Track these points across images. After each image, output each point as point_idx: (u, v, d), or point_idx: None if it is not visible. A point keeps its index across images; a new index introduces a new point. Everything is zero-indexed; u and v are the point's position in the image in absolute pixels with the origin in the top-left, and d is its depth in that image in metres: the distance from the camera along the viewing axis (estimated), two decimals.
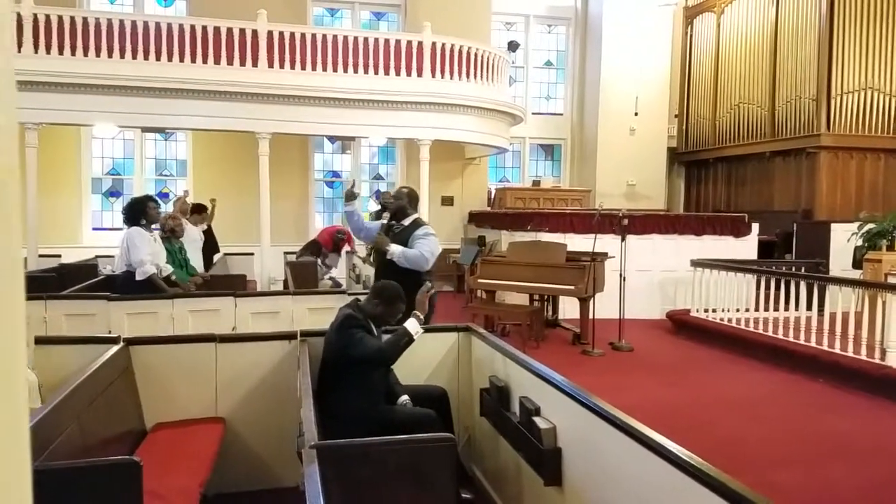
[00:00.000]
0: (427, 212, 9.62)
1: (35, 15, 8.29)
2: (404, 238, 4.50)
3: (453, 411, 3.67)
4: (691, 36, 14.48)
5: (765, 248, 10.50)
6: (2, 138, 0.49)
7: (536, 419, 2.81)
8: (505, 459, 3.23)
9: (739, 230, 9.93)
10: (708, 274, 8.49)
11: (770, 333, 7.40)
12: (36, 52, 8.31)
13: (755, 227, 10.04)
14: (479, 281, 8.15)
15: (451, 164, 12.59)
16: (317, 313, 5.07)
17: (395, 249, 4.41)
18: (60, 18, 8.41)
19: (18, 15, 8.22)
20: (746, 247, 9.84)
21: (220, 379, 3.69)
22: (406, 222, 4.61)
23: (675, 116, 14.49)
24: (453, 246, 12.33)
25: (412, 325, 3.35)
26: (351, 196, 4.69)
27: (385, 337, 3.44)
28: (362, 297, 3.70)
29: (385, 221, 4.62)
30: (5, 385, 0.49)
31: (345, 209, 4.79)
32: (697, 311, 8.59)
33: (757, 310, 7.81)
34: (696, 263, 8.61)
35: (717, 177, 14.09)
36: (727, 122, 13.43)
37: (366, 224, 4.78)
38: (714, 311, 8.33)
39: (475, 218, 12.58)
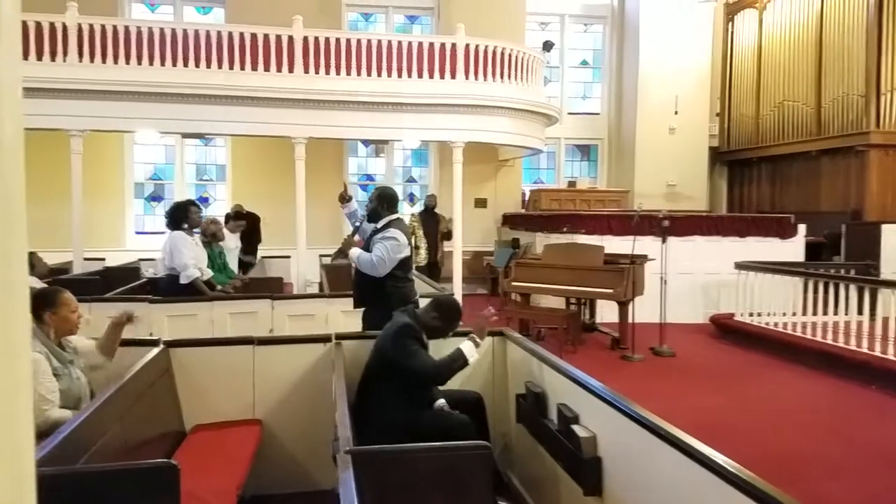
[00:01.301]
0: (459, 214, 9.57)
1: (79, 24, 8.50)
2: (373, 241, 4.37)
3: (489, 416, 3.62)
4: (732, 32, 14.14)
5: (812, 250, 10.18)
6: (9, 146, 0.47)
7: (575, 427, 2.75)
8: (542, 467, 3.17)
9: (785, 231, 9.64)
10: (753, 277, 8.26)
11: (819, 338, 7.15)
12: (80, 60, 8.52)
13: (801, 228, 9.73)
14: (514, 284, 8.06)
15: (484, 166, 12.52)
16: (351, 316, 5.05)
17: (352, 254, 4.30)
18: (103, 27, 8.60)
19: (63, 25, 8.46)
20: (793, 249, 9.55)
21: (257, 381, 3.72)
22: (380, 225, 4.41)
23: (717, 115, 14.15)
24: (487, 248, 12.28)
25: (468, 349, 3.27)
26: (343, 198, 4.67)
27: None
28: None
29: (357, 225, 4.56)
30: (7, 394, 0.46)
31: (343, 212, 4.78)
32: (742, 315, 8.37)
33: (805, 314, 7.59)
34: (741, 266, 8.38)
35: (760, 177, 13.72)
36: (771, 121, 13.07)
37: (364, 229, 4.62)
38: (759, 314, 8.11)
39: (509, 220, 12.48)
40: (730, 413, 5.42)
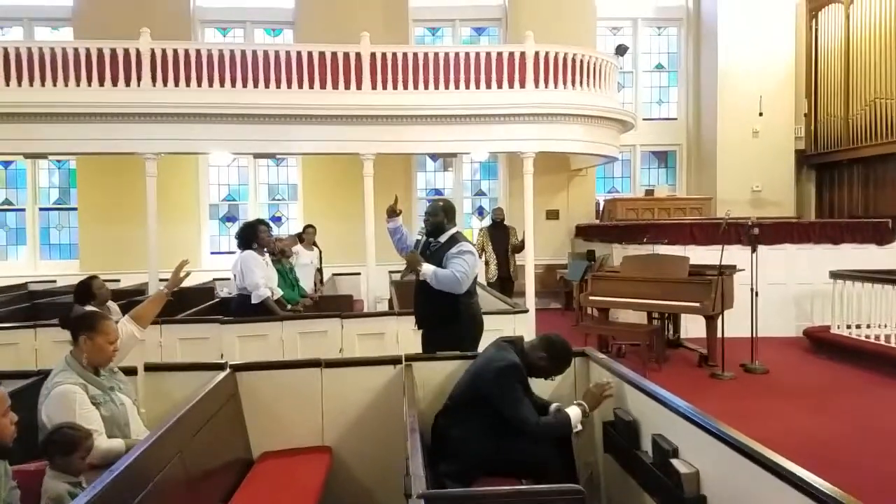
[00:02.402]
0: (531, 226, 9.30)
1: (152, 50, 8.77)
2: (439, 257, 4.09)
3: (573, 444, 3.33)
4: (816, 30, 13.32)
5: None
6: None
7: (675, 461, 2.46)
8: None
9: (883, 237, 9.02)
10: (850, 286, 7.72)
11: None
12: (154, 84, 8.77)
13: None
14: (591, 298, 7.71)
15: (555, 177, 12.21)
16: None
17: (427, 269, 4.01)
18: (175, 52, 8.83)
19: (137, 51, 8.73)
20: (892, 255, 8.88)
21: (326, 406, 3.57)
22: (443, 239, 4.17)
23: (805, 115, 13.33)
24: (560, 261, 11.93)
25: (576, 416, 3.00)
26: (393, 212, 4.35)
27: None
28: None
29: (421, 238, 4.23)
30: None
31: (388, 226, 4.38)
32: (839, 327, 7.84)
33: None
34: (837, 275, 7.80)
35: (852, 179, 12.81)
36: (862, 120, 12.19)
37: (410, 242, 4.36)
38: (858, 327, 7.57)
39: (583, 231, 12.10)
40: (835, 436, 4.99)
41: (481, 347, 3.97)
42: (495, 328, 5.25)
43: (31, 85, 8.69)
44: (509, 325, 5.43)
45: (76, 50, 8.75)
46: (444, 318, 4.11)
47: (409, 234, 4.37)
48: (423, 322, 4.19)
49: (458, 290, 4.07)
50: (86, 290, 4.89)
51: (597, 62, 9.76)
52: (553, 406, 3.22)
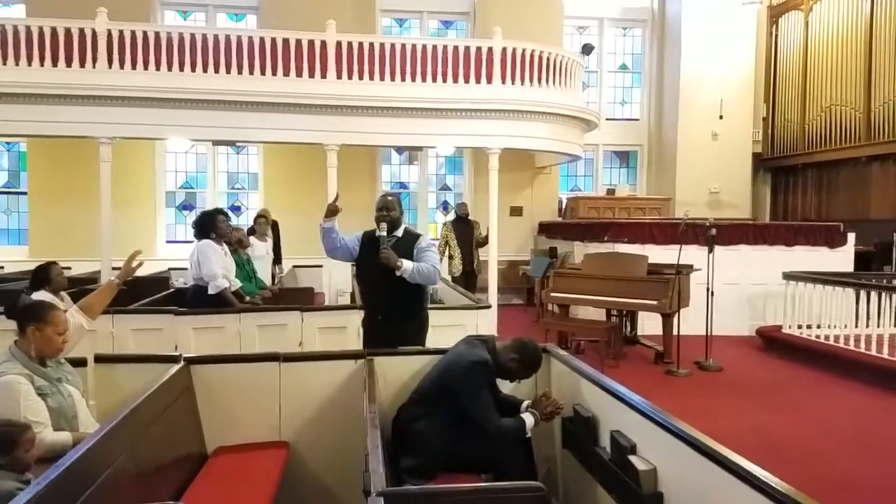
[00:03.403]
0: (495, 222, 9.33)
1: (109, 30, 8.45)
2: (405, 251, 4.02)
3: (532, 439, 3.33)
4: (776, 35, 13.67)
5: (862, 260, 9.78)
6: None
7: (633, 458, 2.47)
8: (595, 501, 2.87)
9: (834, 240, 9.27)
10: (802, 287, 7.94)
11: (873, 352, 6.84)
12: (110, 66, 8.46)
13: (851, 236, 9.35)
14: (553, 294, 7.76)
15: (520, 174, 12.25)
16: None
17: (407, 266, 3.92)
18: (133, 33, 8.53)
19: (93, 31, 8.42)
20: (842, 258, 9.18)
21: (284, 400, 3.50)
22: (399, 233, 4.12)
23: (763, 119, 13.66)
24: (523, 258, 11.99)
25: (530, 423, 3.03)
26: (333, 212, 4.10)
27: None
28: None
29: (384, 234, 3.99)
30: None
31: (323, 225, 4.10)
32: (790, 327, 8.05)
33: (857, 326, 7.27)
34: (790, 276, 8.02)
35: (806, 184, 13.21)
36: (817, 126, 12.58)
37: (343, 241, 4.17)
38: (809, 327, 7.77)
39: (546, 229, 12.19)
40: (786, 433, 5.12)
41: (438, 343, 3.96)
42: (458, 323, 5.26)
43: None
44: (471, 321, 5.41)
45: (28, 28, 8.39)
46: (410, 310, 4.12)
47: (340, 234, 4.17)
48: (391, 315, 4.08)
49: (436, 282, 4.15)
50: (43, 275, 4.81)
51: (563, 60, 9.81)
52: (524, 403, 3.21)
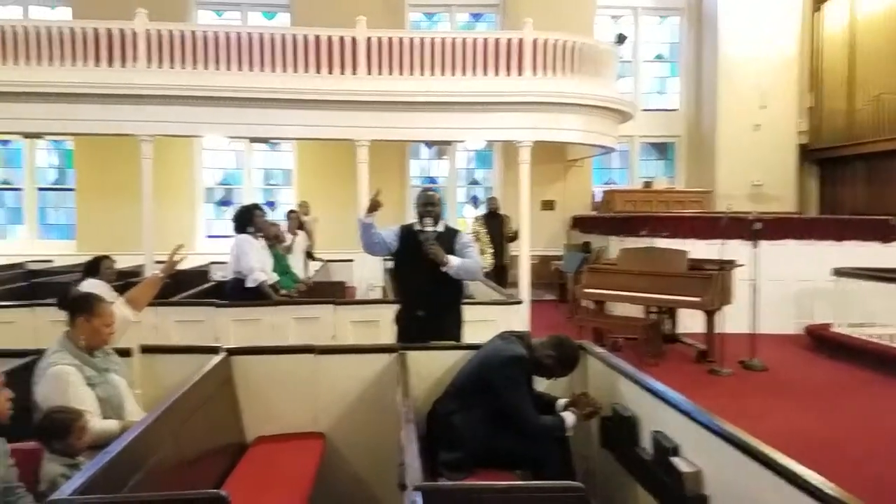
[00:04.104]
0: (527, 217, 9.26)
1: (148, 31, 8.67)
2: (446, 246, 3.97)
3: (570, 438, 3.28)
4: (821, 20, 13.18)
5: None
6: None
7: (675, 460, 2.40)
8: (634, 501, 2.81)
9: (886, 235, 8.92)
10: (853, 284, 7.60)
11: None
12: (149, 66, 8.69)
13: None
14: (588, 290, 7.64)
15: (552, 167, 12.11)
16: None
17: (453, 262, 3.91)
18: (171, 33, 8.75)
19: (133, 31, 8.61)
20: (895, 253, 8.76)
21: (319, 392, 3.53)
22: (440, 228, 4.05)
23: (809, 109, 13.21)
24: (555, 252, 11.85)
25: (570, 422, 3.02)
26: (375, 206, 4.02)
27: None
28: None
29: (430, 230, 3.96)
30: None
31: (364, 220, 4.03)
32: (840, 325, 7.73)
33: None
34: (840, 272, 7.71)
35: (855, 175, 12.72)
36: (867, 115, 12.10)
37: (380, 235, 4.08)
38: (861, 325, 7.46)
39: (579, 223, 12.03)
40: (836, 437, 4.93)
41: (469, 339, 3.97)
42: (489, 319, 5.21)
43: (28, 64, 8.62)
44: (503, 316, 5.36)
45: (72, 30, 8.66)
46: (450, 306, 4.13)
47: (378, 229, 4.12)
48: (432, 310, 4.04)
49: (479, 278, 4.23)
50: (95, 265, 5.12)
51: (596, 50, 9.65)
52: (560, 402, 3.18)
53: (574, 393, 3.31)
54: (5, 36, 8.59)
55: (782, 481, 1.83)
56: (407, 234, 4.09)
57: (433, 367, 3.46)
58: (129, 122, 8.64)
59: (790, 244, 8.70)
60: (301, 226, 8.12)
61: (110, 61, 8.60)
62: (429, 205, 4.03)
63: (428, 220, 3.98)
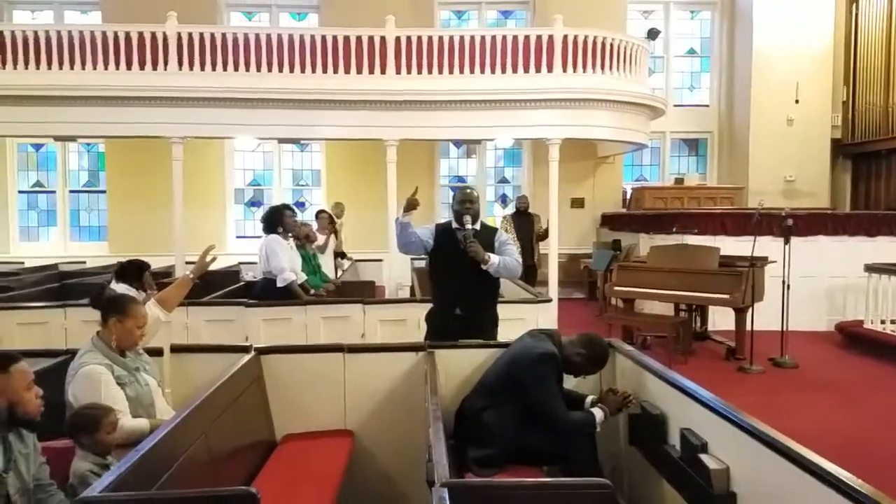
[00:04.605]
0: (556, 214, 9.21)
1: (178, 33, 8.82)
2: (485, 244, 3.94)
3: (597, 434, 3.28)
4: (856, 15, 12.88)
5: None
6: None
7: (703, 457, 2.40)
8: (662, 499, 2.80)
9: None
10: (886, 280, 7.46)
11: None
12: (180, 68, 8.84)
13: None
14: (617, 288, 7.60)
15: (581, 164, 12.03)
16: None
17: (494, 260, 3.87)
18: (202, 35, 8.89)
19: (164, 34, 8.77)
20: None
21: (348, 390, 3.56)
22: (478, 226, 4.02)
23: (843, 103, 12.92)
24: (584, 251, 11.79)
25: (600, 418, 3.03)
26: (413, 206, 3.99)
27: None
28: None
29: (470, 227, 3.92)
30: None
31: (401, 220, 3.99)
32: (873, 322, 7.60)
33: None
34: (872, 268, 7.57)
35: (890, 171, 12.41)
36: None
37: (416, 234, 4.04)
38: (894, 322, 7.35)
39: (609, 220, 11.93)
40: (869, 435, 4.86)
41: (498, 337, 3.99)
42: (518, 317, 5.21)
43: (61, 68, 8.80)
44: (532, 315, 5.36)
45: (104, 33, 8.82)
46: (487, 304, 4.12)
47: (415, 230, 4.09)
48: (470, 309, 4.02)
49: (519, 276, 4.19)
50: (134, 273, 4.83)
51: (627, 46, 9.56)
52: (589, 399, 3.20)
53: (602, 390, 3.31)
54: (39, 41, 8.79)
55: (811, 478, 1.81)
56: (443, 232, 4.07)
57: (461, 365, 3.48)
58: (161, 124, 8.80)
59: (822, 240, 8.58)
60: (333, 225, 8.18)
61: (142, 64, 8.77)
62: (467, 202, 4.00)
63: (467, 218, 3.94)
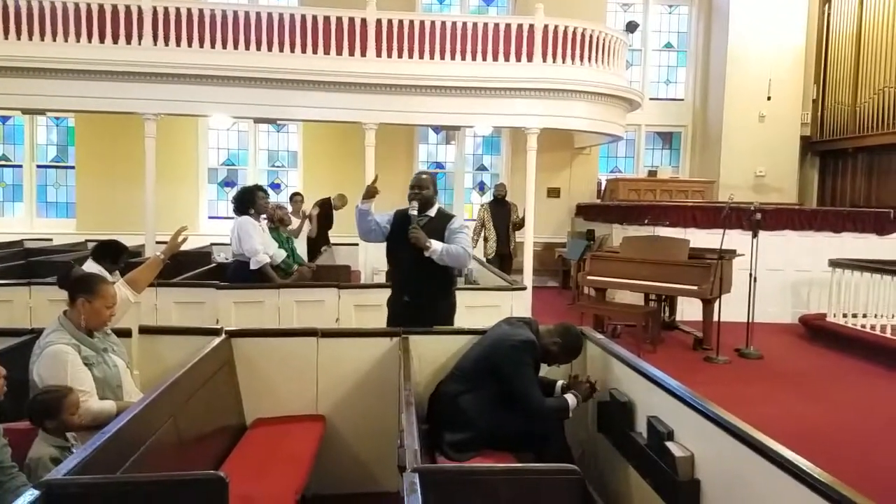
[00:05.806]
0: (532, 204, 9.24)
1: (154, 8, 8.61)
2: (437, 231, 3.89)
3: (566, 421, 3.33)
4: (829, 16, 13.10)
5: None
6: None
7: (669, 444, 2.44)
8: (628, 485, 2.85)
9: (884, 227, 8.97)
10: (849, 275, 7.69)
11: None
12: (155, 44, 8.62)
13: None
14: (589, 277, 7.69)
15: (559, 154, 12.10)
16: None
17: (436, 246, 3.80)
18: (178, 11, 8.67)
19: (139, 8, 8.55)
20: (892, 246, 8.83)
21: (321, 375, 3.56)
22: (432, 213, 3.97)
23: (813, 101, 13.17)
24: (559, 240, 11.88)
25: (572, 403, 3.08)
26: (372, 193, 3.95)
27: None
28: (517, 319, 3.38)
29: (415, 213, 3.88)
30: None
31: (361, 207, 3.95)
32: (835, 315, 7.82)
33: None
34: (836, 263, 7.79)
35: (856, 168, 12.71)
36: (870, 109, 12.05)
37: (376, 221, 4.00)
38: (855, 316, 7.55)
39: (584, 211, 12.03)
40: (828, 424, 5.01)
41: (471, 324, 3.90)
42: (493, 304, 5.26)
43: (31, 39, 8.53)
44: (506, 302, 5.39)
45: (77, 5, 8.56)
46: (437, 294, 4.01)
47: (374, 216, 4.05)
48: (417, 297, 3.97)
49: (466, 265, 4.09)
50: (113, 254, 4.54)
51: (607, 38, 9.60)
52: (559, 384, 3.25)
53: (570, 375, 3.37)
54: (8, 10, 8.51)
55: (773, 467, 1.86)
56: (399, 217, 4.01)
57: (436, 351, 3.49)
58: (134, 100, 8.60)
59: (789, 235, 8.76)
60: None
61: (115, 38, 8.53)
62: (416, 187, 3.94)
63: (414, 203, 3.88)
